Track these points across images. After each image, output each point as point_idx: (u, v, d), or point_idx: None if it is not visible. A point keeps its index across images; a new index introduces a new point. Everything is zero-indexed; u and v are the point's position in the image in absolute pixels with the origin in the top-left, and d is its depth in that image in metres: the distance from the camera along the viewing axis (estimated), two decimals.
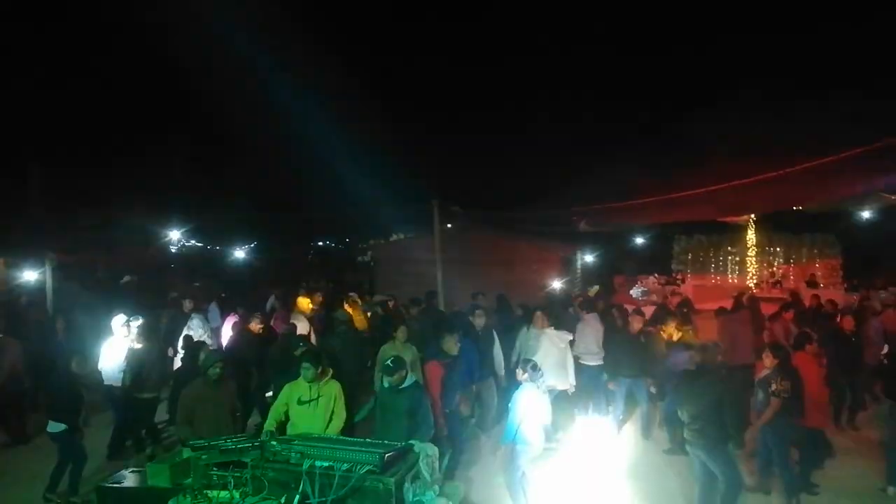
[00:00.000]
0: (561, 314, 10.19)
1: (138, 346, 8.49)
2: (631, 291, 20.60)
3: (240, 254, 20.76)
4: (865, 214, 18.19)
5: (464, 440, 7.69)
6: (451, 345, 7.49)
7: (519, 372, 6.71)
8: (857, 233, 20.33)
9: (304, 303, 13.00)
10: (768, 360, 6.81)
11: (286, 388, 6.29)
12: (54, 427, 7.10)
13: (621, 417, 9.01)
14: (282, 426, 6.23)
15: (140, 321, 8.90)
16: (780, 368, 6.78)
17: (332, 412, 6.21)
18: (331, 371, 6.44)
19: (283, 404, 6.22)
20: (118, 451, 8.37)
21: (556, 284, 15.58)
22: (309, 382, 6.20)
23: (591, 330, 9.46)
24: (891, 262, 22.78)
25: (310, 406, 6.12)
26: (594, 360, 9.35)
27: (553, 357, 8.40)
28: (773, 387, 6.58)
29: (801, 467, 7.10)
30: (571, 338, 8.94)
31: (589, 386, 9.39)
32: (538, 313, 8.87)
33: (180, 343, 9.47)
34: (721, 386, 6.25)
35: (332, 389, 6.29)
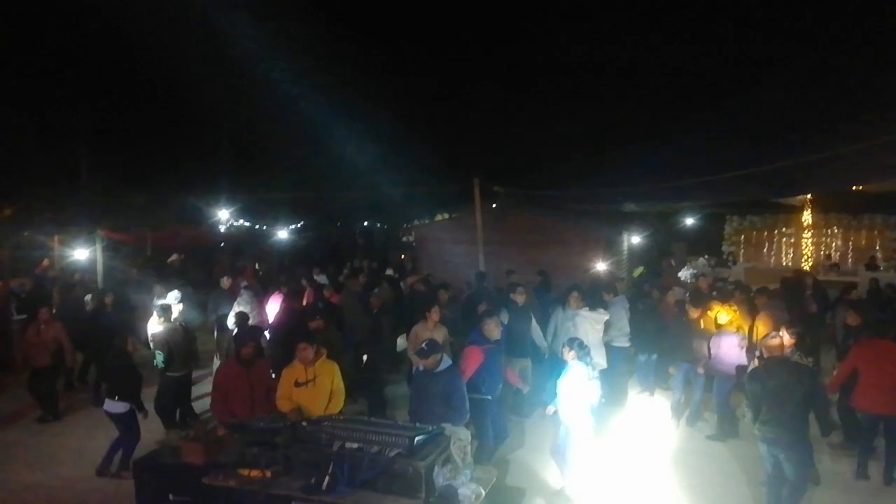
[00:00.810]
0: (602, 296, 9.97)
1: (160, 326, 8.63)
2: (680, 273, 20.12)
3: (285, 234, 21.04)
4: None
5: (506, 427, 7.43)
6: (493, 329, 7.11)
7: (565, 351, 6.61)
8: None
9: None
10: (787, 340, 6.47)
11: (284, 371, 6.29)
12: (115, 407, 7.12)
13: (681, 401, 8.75)
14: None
15: (169, 301, 9.02)
16: (800, 347, 6.53)
17: (331, 392, 6.17)
18: (325, 351, 6.40)
19: (283, 387, 6.20)
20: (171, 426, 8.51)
21: (601, 266, 15.27)
22: (304, 364, 6.17)
23: (618, 312, 9.33)
24: None
25: (307, 387, 6.09)
26: (622, 342, 9.41)
27: (589, 338, 8.21)
28: None
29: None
30: (607, 317, 8.79)
31: (620, 367, 9.41)
32: (573, 294, 8.77)
33: (231, 320, 9.61)
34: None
35: (329, 369, 6.26)
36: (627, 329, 9.42)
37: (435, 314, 8.05)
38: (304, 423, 5.25)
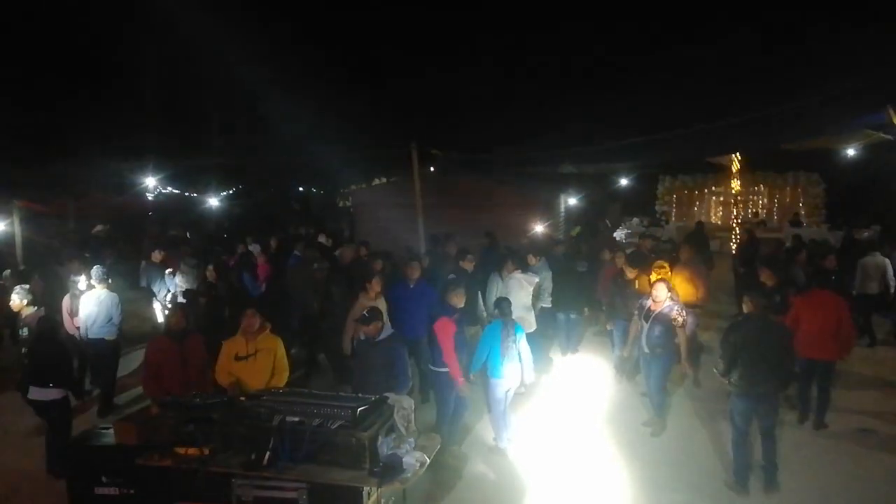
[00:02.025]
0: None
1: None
2: (615, 234, 20.52)
3: (217, 201, 20.38)
4: (850, 152, 18.01)
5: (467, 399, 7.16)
6: (460, 298, 6.95)
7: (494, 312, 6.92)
8: (841, 171, 20.18)
9: None
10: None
11: (224, 344, 6.08)
12: (47, 394, 6.44)
13: (622, 357, 8.86)
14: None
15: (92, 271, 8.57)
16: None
17: (274, 367, 6.00)
18: (269, 325, 6.19)
19: (223, 361, 6.00)
20: (106, 409, 8.17)
21: (539, 228, 15.39)
22: (246, 337, 5.99)
23: (543, 274, 9.53)
24: (875, 200, 22.80)
25: (248, 361, 5.91)
26: (547, 303, 9.66)
27: (522, 300, 8.49)
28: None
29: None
30: (537, 279, 8.95)
31: (546, 326, 9.74)
32: (508, 260, 8.93)
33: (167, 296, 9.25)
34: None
35: (271, 344, 6.06)
36: (550, 289, 9.62)
37: (376, 284, 7.92)
38: (243, 398, 5.09)
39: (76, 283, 8.71)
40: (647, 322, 7.09)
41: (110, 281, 8.50)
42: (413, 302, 8.09)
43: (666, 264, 8.54)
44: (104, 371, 8.38)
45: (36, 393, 6.45)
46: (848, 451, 6.89)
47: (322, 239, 13.56)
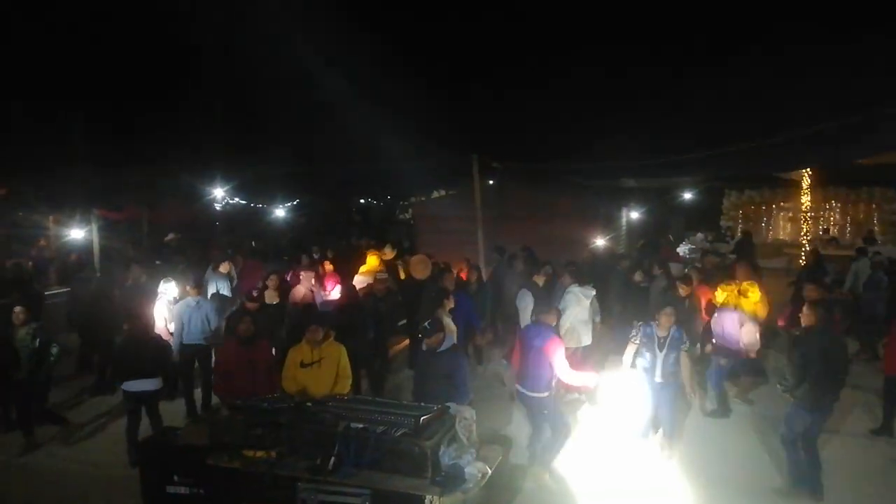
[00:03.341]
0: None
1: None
2: (678, 249, 20.11)
3: (281, 212, 20.89)
4: None
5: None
6: (551, 317, 6.91)
7: (550, 317, 6.83)
8: None
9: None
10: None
11: (290, 351, 6.27)
12: (142, 386, 6.95)
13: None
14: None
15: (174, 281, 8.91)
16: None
17: (337, 374, 6.15)
18: (333, 333, 6.37)
19: (288, 368, 6.19)
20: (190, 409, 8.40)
21: (600, 241, 15.24)
22: (311, 345, 6.14)
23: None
24: None
25: (312, 369, 6.08)
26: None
27: (579, 315, 8.45)
28: None
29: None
30: (594, 293, 8.82)
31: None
32: (566, 273, 8.99)
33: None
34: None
35: (335, 352, 6.24)
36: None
37: (449, 302, 8.02)
38: (309, 404, 5.21)
39: (165, 291, 9.03)
40: (661, 350, 6.81)
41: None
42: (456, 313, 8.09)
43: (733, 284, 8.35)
44: (202, 373, 8.56)
45: (135, 385, 6.89)
46: None
47: (387, 250, 13.69)
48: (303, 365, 6.05)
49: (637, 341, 6.98)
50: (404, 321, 10.30)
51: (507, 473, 6.52)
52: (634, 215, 20.84)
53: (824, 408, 6.03)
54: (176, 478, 5.38)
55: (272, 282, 9.34)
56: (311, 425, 4.96)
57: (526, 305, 8.61)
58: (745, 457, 7.11)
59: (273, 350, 7.49)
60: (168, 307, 8.80)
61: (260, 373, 6.33)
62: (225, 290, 10.60)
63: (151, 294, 9.28)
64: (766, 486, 6.39)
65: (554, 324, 6.88)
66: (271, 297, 9.11)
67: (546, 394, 6.48)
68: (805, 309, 6.20)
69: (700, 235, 22.79)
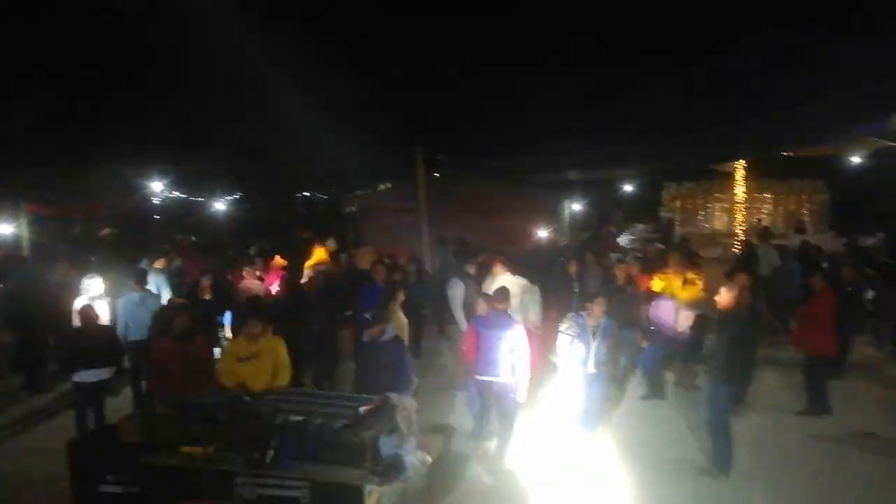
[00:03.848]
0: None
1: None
2: (619, 240, 20.52)
3: (222, 205, 20.49)
4: (855, 159, 18.01)
5: None
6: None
7: (482, 306, 6.98)
8: (846, 178, 20.16)
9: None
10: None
11: (227, 346, 6.18)
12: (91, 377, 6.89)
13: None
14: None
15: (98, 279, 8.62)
16: None
17: (276, 368, 6.04)
18: (271, 327, 6.26)
19: (226, 363, 6.09)
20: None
21: (544, 233, 15.45)
22: (249, 339, 6.06)
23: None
24: (880, 207, 22.74)
25: (250, 363, 5.95)
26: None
27: (513, 303, 8.18)
28: None
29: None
30: (525, 282, 8.79)
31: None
32: (496, 260, 8.89)
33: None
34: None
35: (273, 345, 6.12)
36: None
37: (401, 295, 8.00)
38: (247, 398, 5.14)
39: (88, 286, 8.72)
40: (593, 340, 6.87)
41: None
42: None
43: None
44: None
45: (88, 376, 6.82)
46: (848, 456, 6.92)
47: (330, 244, 13.55)
48: (240, 359, 5.94)
49: (569, 333, 6.94)
50: (350, 313, 10.21)
51: (450, 462, 6.60)
52: (577, 207, 21.18)
53: (742, 386, 6.50)
54: (109, 476, 5.24)
55: (207, 280, 9.15)
56: (249, 419, 4.90)
57: (456, 294, 8.65)
58: (674, 438, 7.33)
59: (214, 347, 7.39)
60: (92, 303, 8.49)
61: (195, 369, 6.19)
62: (162, 287, 10.35)
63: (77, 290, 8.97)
64: (692, 465, 6.64)
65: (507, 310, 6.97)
66: (205, 294, 8.91)
67: (508, 379, 6.58)
68: (724, 292, 6.44)
69: (640, 226, 23.28)
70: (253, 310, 6.51)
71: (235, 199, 21.22)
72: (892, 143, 13.68)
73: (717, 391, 6.34)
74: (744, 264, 11.41)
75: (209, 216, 21.11)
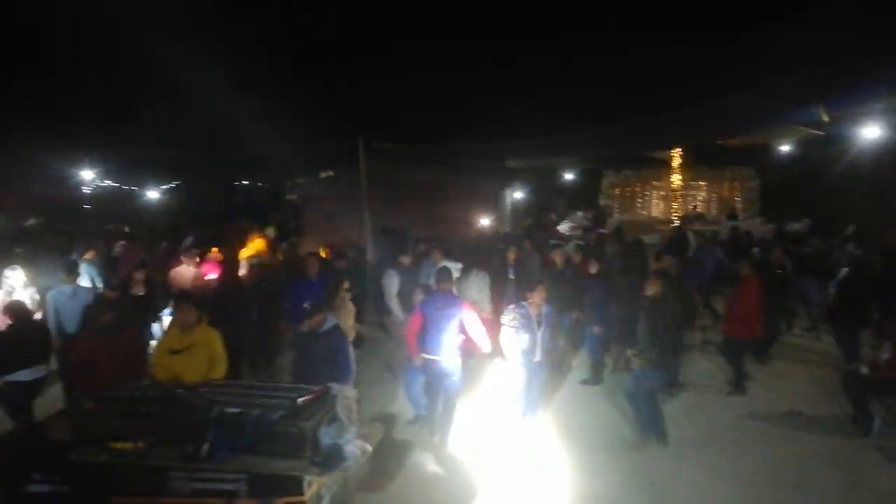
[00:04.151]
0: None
1: None
2: (560, 227, 20.80)
3: (157, 194, 19.91)
4: (783, 147, 18.71)
5: None
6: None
7: (418, 296, 7.25)
8: (775, 165, 20.92)
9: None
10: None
11: (160, 338, 6.03)
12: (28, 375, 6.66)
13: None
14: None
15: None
16: None
17: (211, 359, 5.90)
18: (206, 318, 6.11)
19: (158, 355, 5.92)
20: None
21: (486, 221, 15.55)
22: (182, 331, 5.91)
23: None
24: (805, 194, 23.68)
25: (183, 355, 5.80)
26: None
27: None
28: None
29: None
30: (461, 265, 9.02)
31: None
32: (435, 249, 9.12)
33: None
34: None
35: (208, 336, 5.97)
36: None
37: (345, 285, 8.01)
38: (180, 391, 5.02)
39: (9, 278, 8.36)
40: (539, 329, 6.95)
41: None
42: (313, 296, 7.96)
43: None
44: None
45: (26, 374, 6.61)
46: (775, 432, 7.23)
47: (270, 232, 13.36)
48: (173, 351, 5.78)
49: (513, 324, 6.90)
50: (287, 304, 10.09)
51: (392, 450, 6.61)
52: (519, 195, 21.38)
53: (668, 366, 6.75)
54: (37, 476, 5.05)
55: (139, 273, 8.88)
56: (183, 412, 4.78)
57: (390, 285, 8.68)
58: (608, 417, 7.58)
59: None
60: (10, 296, 8.14)
61: (123, 364, 6.00)
62: (94, 279, 10.00)
63: None
64: (621, 438, 6.97)
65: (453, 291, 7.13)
66: (137, 287, 8.65)
67: (454, 359, 6.73)
68: (652, 279, 6.71)
69: (580, 214, 23.66)
70: (186, 299, 6.31)
71: (171, 187, 20.64)
72: (817, 132, 14.28)
73: (645, 373, 6.60)
74: (674, 249, 11.77)
75: (143, 205, 20.48)
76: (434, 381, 6.91)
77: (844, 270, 9.75)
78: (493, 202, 17.77)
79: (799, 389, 8.52)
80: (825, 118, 11.05)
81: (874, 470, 6.34)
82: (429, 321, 6.73)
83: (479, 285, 8.83)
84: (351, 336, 8.49)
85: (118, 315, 6.34)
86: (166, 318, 8.86)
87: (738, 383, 8.35)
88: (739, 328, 8.26)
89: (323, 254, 11.79)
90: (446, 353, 6.71)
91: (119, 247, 12.25)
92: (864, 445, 6.82)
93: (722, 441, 6.99)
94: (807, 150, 18.46)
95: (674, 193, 21.61)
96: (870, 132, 12.25)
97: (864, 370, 7.41)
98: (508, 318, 6.94)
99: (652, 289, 6.67)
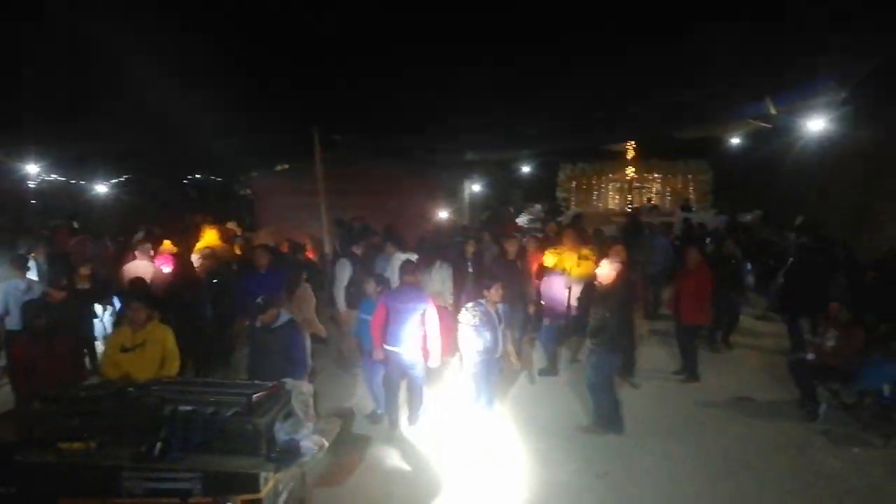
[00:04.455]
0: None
1: None
2: (518, 219, 20.96)
3: (106, 188, 19.38)
4: (735, 140, 19.14)
5: None
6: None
7: (371, 286, 7.20)
8: (726, 158, 21.37)
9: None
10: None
11: (110, 335, 5.91)
12: None
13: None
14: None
15: None
16: None
17: (163, 357, 5.83)
18: (158, 315, 6.03)
19: (108, 353, 5.81)
20: None
21: (444, 214, 15.56)
22: (133, 327, 5.80)
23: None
24: (757, 185, 24.30)
25: (135, 352, 5.72)
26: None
27: None
28: None
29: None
30: (416, 256, 9.09)
31: None
32: (388, 243, 9.21)
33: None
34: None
35: (160, 333, 5.89)
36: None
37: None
38: (131, 389, 4.91)
39: None
40: (499, 325, 7.02)
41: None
42: (264, 290, 7.55)
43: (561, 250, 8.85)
44: None
45: None
46: (727, 418, 7.42)
47: (231, 227, 13.10)
48: (124, 349, 5.66)
49: (473, 322, 6.78)
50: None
51: (350, 444, 6.59)
52: (477, 188, 21.45)
53: (621, 351, 6.87)
54: None
55: (85, 269, 8.66)
56: (135, 411, 4.68)
57: (341, 275, 8.66)
58: (565, 408, 7.69)
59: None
60: None
61: (62, 365, 5.85)
62: (41, 274, 9.71)
63: None
64: (577, 428, 7.06)
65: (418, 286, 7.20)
66: (83, 282, 8.44)
67: (417, 352, 6.78)
68: (604, 266, 6.88)
69: (538, 206, 23.87)
70: (137, 295, 6.18)
71: (121, 181, 20.10)
72: (765, 125, 14.66)
73: (602, 360, 6.72)
74: (627, 237, 12.03)
75: (93, 200, 19.92)
76: (395, 373, 6.91)
77: (791, 260, 10.10)
78: (451, 195, 17.78)
79: (750, 376, 8.78)
80: (773, 111, 11.35)
81: (820, 453, 6.56)
82: (393, 313, 6.74)
83: (441, 277, 8.86)
84: (321, 331, 8.51)
85: (57, 315, 6.18)
86: (108, 317, 8.69)
87: (692, 370, 8.56)
88: (691, 316, 8.47)
89: (283, 248, 11.70)
90: (409, 345, 6.73)
91: (70, 242, 11.88)
92: (810, 430, 7.07)
93: (675, 428, 7.16)
94: (756, 143, 18.94)
95: (629, 186, 21.97)
96: (815, 125, 12.60)
97: (811, 357, 7.70)
98: (468, 316, 6.86)
99: (603, 275, 6.79)
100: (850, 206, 14.91)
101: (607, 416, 6.89)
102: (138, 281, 7.98)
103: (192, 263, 9.91)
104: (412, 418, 7.00)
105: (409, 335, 6.72)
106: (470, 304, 6.99)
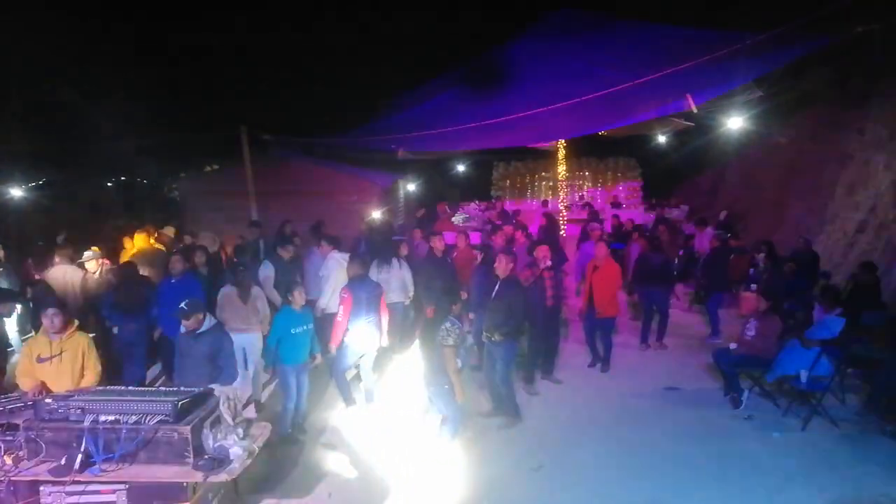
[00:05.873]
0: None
1: None
2: (453, 218, 21.03)
3: (21, 192, 18.45)
4: (661, 138, 19.69)
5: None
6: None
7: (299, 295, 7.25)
8: (653, 155, 21.97)
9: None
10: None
11: (26, 344, 5.66)
12: None
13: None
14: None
15: None
16: None
17: (83, 366, 5.63)
18: (76, 322, 5.78)
19: (24, 364, 5.56)
20: None
21: (378, 214, 15.45)
22: (50, 336, 5.57)
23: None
24: (683, 182, 25.12)
25: (52, 363, 5.50)
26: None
27: (342, 278, 8.22)
28: None
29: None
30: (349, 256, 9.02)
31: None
32: (323, 242, 9.25)
33: None
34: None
35: (79, 342, 5.66)
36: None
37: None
38: (49, 400, 4.71)
39: None
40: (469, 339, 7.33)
41: None
42: (179, 297, 7.02)
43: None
44: None
45: None
46: (654, 409, 7.66)
47: (168, 231, 12.59)
48: (40, 359, 5.42)
49: (453, 343, 6.33)
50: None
51: (285, 448, 6.52)
52: (411, 187, 21.41)
53: (519, 339, 7.39)
54: None
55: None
56: (53, 423, 4.50)
57: (266, 276, 8.64)
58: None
59: None
60: None
61: None
62: None
63: None
64: (510, 421, 7.25)
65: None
66: None
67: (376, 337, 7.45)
68: (500, 260, 7.27)
69: (473, 205, 23.99)
70: (51, 303, 5.90)
71: (39, 185, 19.17)
72: (688, 123, 15.15)
73: (506, 349, 7.04)
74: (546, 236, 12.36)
75: (6, 205, 18.94)
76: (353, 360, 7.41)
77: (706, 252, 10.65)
78: (385, 194, 17.68)
79: (675, 367, 9.07)
80: (694, 109, 11.69)
81: (743, 438, 6.86)
82: (358, 305, 7.16)
83: (403, 275, 9.20)
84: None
85: None
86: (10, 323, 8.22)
87: (607, 360, 9.00)
88: (602, 309, 8.81)
89: (226, 251, 11.49)
90: (372, 332, 7.31)
91: None
92: (734, 416, 7.40)
93: (604, 420, 7.36)
94: (680, 140, 19.57)
95: (560, 183, 22.27)
96: (734, 123, 13.08)
97: (733, 347, 8.03)
98: (446, 336, 6.32)
99: (500, 269, 7.20)
100: (770, 202, 15.60)
101: (505, 402, 7.26)
102: (63, 288, 7.66)
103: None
104: (369, 396, 7.62)
105: (372, 323, 7.28)
106: (447, 324, 6.38)
